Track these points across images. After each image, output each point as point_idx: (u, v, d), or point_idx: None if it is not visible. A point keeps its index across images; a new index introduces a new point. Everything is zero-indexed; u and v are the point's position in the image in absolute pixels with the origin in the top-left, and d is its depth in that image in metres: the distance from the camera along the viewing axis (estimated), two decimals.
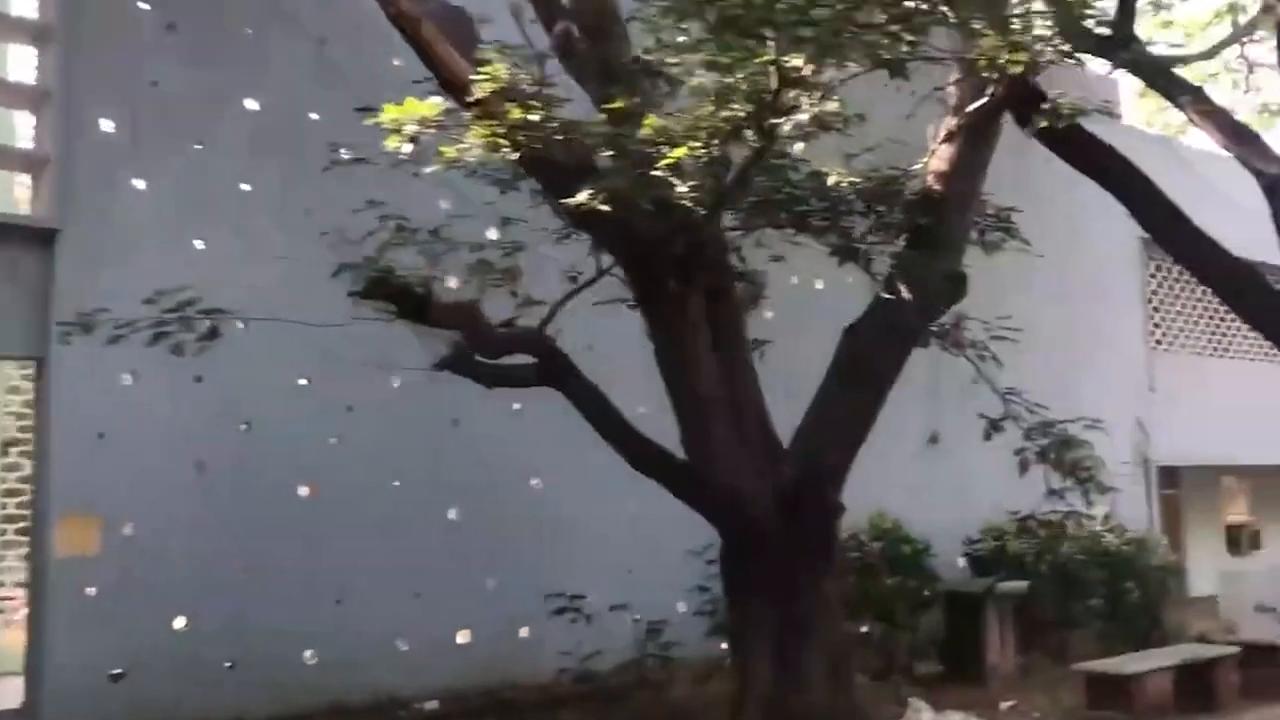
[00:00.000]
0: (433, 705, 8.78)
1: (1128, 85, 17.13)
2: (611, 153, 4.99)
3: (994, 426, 5.92)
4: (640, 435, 6.45)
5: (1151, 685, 9.15)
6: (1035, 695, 9.99)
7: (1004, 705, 9.58)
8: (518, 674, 9.35)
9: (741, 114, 4.54)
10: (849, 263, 6.30)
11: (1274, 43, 12.76)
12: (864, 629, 10.54)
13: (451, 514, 9.89)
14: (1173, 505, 20.06)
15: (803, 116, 4.56)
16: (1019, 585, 11.43)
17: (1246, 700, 9.80)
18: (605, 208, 4.91)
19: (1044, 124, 6.82)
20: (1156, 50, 16.82)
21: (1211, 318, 17.91)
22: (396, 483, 9.60)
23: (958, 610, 11.58)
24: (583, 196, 4.86)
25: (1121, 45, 14.02)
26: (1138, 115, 21.91)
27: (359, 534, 9.28)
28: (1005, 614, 11.49)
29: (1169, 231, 12.36)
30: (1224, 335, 17.87)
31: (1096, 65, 17.95)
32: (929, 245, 6.16)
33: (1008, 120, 10.98)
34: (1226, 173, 13.91)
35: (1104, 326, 15.75)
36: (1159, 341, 16.93)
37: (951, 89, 6.27)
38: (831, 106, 4.91)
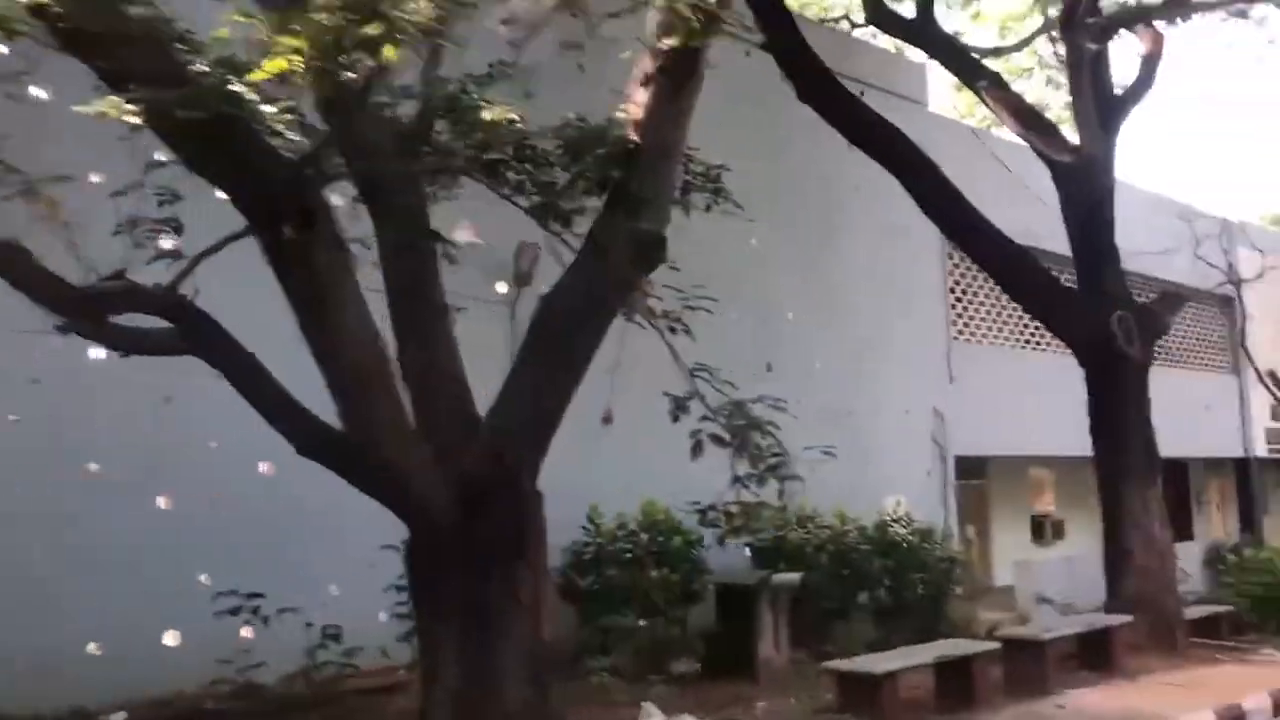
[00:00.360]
0: (119, 717, 7.71)
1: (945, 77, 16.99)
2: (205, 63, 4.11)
3: (679, 407, 5.26)
4: (305, 412, 5.58)
5: (906, 684, 8.78)
6: (798, 694, 9.52)
7: (759, 705, 9.07)
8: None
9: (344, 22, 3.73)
10: (555, 223, 5.56)
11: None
12: (631, 624, 9.96)
13: (161, 502, 8.80)
14: (980, 496, 20.26)
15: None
16: (792, 577, 10.99)
17: (1008, 697, 9.54)
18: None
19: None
20: (968, 41, 16.86)
21: (1015, 309, 17.98)
22: (94, 466, 8.48)
23: (730, 604, 11.10)
24: (111, 100, 3.96)
25: (918, 24, 13.90)
26: (963, 109, 22.03)
27: (45, 526, 8.15)
28: (780, 607, 11.06)
29: (946, 211, 12.16)
30: (1027, 327, 17.96)
31: (912, 53, 17.97)
32: (625, 204, 5.47)
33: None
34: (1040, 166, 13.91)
35: (905, 316, 15.56)
36: (960, 332, 16.86)
37: (653, 28, 5.56)
38: None
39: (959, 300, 16.69)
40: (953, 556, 13.48)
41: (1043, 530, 21.54)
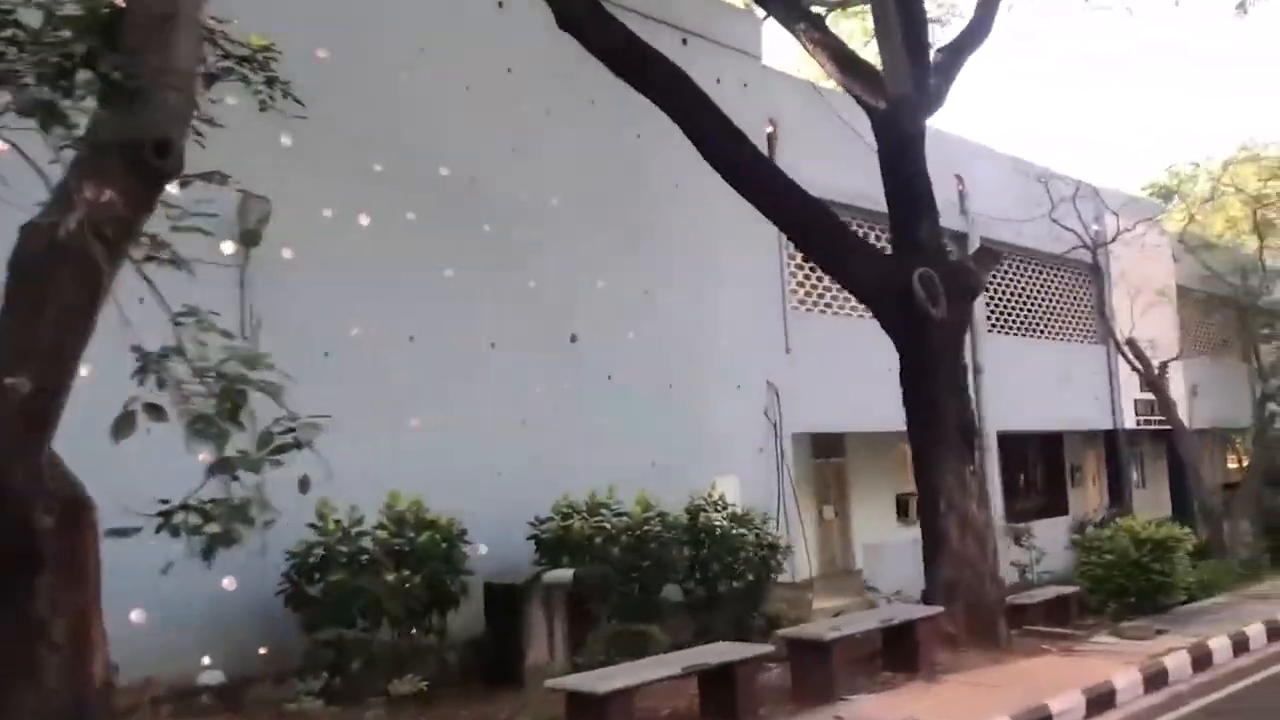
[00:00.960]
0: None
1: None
2: None
3: (145, 367, 3.86)
4: None
5: (673, 692, 7.64)
6: (540, 708, 8.28)
7: None
8: None
9: None
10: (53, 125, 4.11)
11: None
12: (363, 636, 8.62)
13: None
14: (838, 473, 19.28)
15: None
16: (564, 574, 9.77)
17: (782, 706, 8.43)
18: None
19: None
20: None
21: None
22: None
23: (498, 606, 9.87)
24: None
25: None
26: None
27: None
28: (555, 608, 9.85)
29: (727, 155, 10.81)
30: None
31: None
32: (105, 88, 4.04)
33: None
34: None
35: (736, 283, 14.38)
36: (802, 301, 15.75)
37: None
38: None
39: (800, 267, 15.54)
40: (773, 543, 12.35)
41: (908, 509, 20.63)
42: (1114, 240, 18.88)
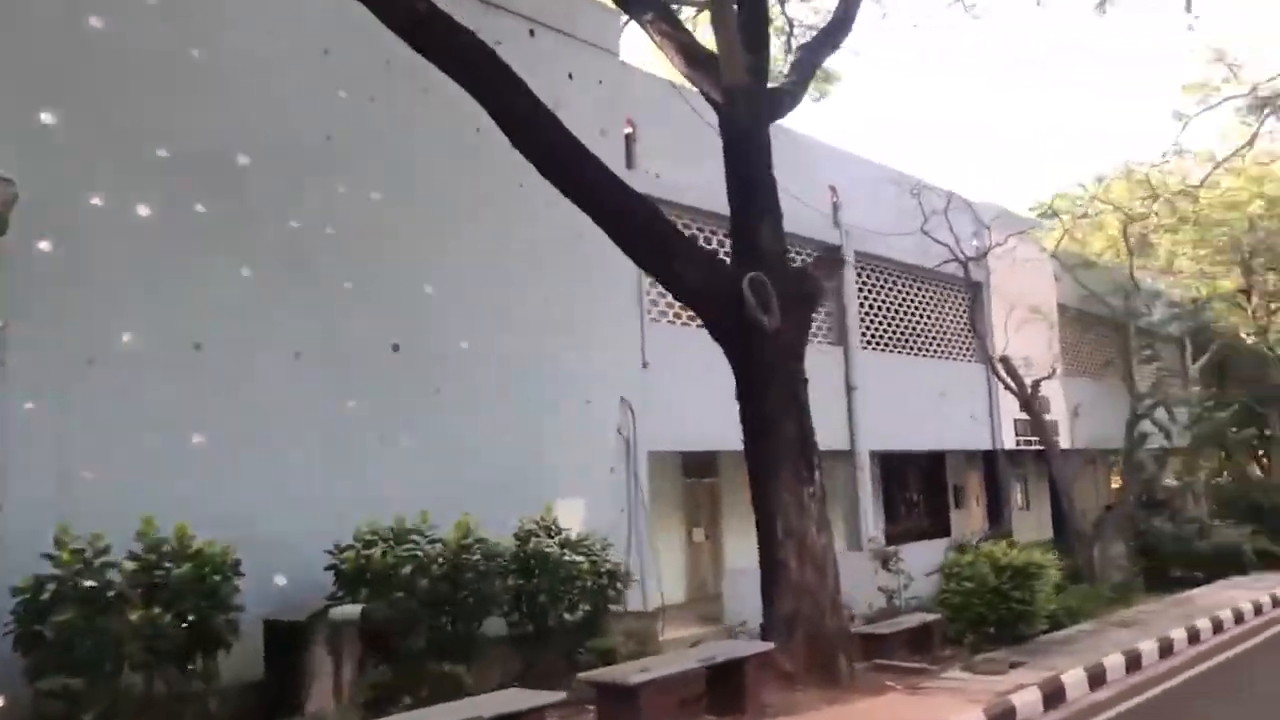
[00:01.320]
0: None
1: None
2: None
3: None
4: None
5: None
6: None
7: None
8: None
9: None
10: None
11: None
12: (100, 686, 7.48)
13: None
14: (711, 494, 18.50)
15: None
16: (351, 610, 8.73)
17: None
18: None
19: None
20: None
21: None
22: None
23: (278, 646, 8.79)
24: None
25: None
26: None
27: None
28: (344, 647, 8.79)
29: (535, 141, 9.62)
30: None
31: None
32: None
33: None
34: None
35: (586, 293, 13.50)
36: (664, 313, 14.94)
37: None
38: None
39: None
40: (613, 570, 11.45)
41: None
42: (985, 255, 18.45)
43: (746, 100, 10.24)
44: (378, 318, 11.16)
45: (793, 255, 14.20)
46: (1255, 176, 24.22)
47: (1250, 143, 21.44)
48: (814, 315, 10.96)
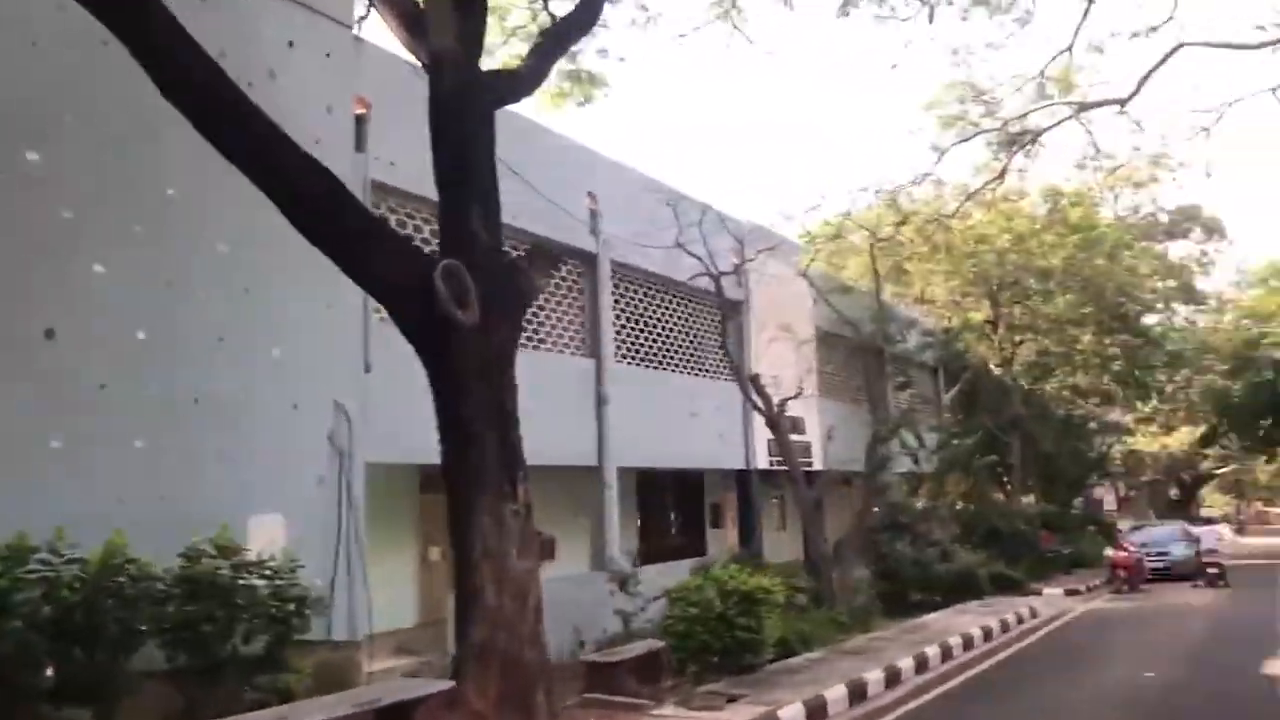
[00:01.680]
0: None
1: None
2: None
3: None
4: None
5: None
6: None
7: None
8: None
9: None
10: None
11: None
12: None
13: None
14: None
15: None
16: None
17: None
18: None
19: None
20: None
21: None
22: None
23: None
24: None
25: None
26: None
27: None
28: None
29: (201, 96, 8.14)
30: None
31: None
32: None
33: None
34: None
35: (294, 284, 12.11)
36: None
37: None
38: None
39: None
40: (301, 595, 10.17)
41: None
42: (735, 270, 18.14)
43: (455, 69, 9.26)
44: (24, 300, 9.53)
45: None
46: (1004, 212, 25.17)
47: (1000, 177, 22.14)
48: (525, 315, 10.05)
